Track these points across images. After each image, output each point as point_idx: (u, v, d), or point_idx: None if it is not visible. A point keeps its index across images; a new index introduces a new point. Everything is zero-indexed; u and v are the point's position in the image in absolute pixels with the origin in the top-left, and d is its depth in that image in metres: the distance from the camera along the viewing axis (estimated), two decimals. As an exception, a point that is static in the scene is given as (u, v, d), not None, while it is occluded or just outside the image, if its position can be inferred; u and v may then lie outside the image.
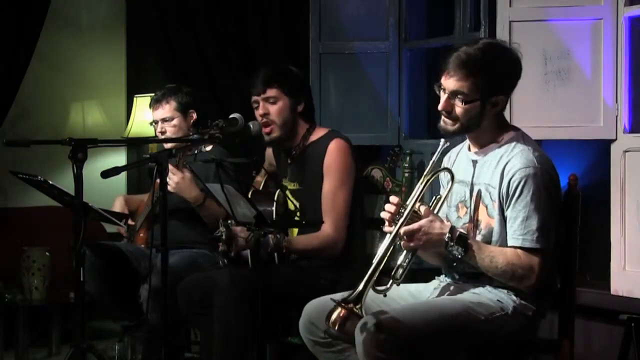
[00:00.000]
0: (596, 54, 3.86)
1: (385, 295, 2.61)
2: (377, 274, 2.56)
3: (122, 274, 3.85)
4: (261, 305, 2.92)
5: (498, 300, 2.65)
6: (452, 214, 2.79)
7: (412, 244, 2.57)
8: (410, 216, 2.60)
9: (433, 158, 2.68)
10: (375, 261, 2.58)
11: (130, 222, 4.01)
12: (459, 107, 2.67)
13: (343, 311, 2.52)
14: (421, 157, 4.68)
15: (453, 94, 2.67)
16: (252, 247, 3.14)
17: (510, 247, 2.61)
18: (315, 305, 2.84)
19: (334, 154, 3.38)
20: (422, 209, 2.61)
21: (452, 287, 2.77)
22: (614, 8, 3.82)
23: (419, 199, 2.63)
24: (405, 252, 2.62)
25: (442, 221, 2.60)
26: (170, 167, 3.58)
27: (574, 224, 2.79)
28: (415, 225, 2.57)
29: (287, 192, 3.50)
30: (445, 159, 2.92)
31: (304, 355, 3.00)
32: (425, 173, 2.68)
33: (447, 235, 2.56)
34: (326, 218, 3.35)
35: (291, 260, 3.41)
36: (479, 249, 2.59)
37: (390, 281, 2.61)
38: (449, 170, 2.73)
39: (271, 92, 3.43)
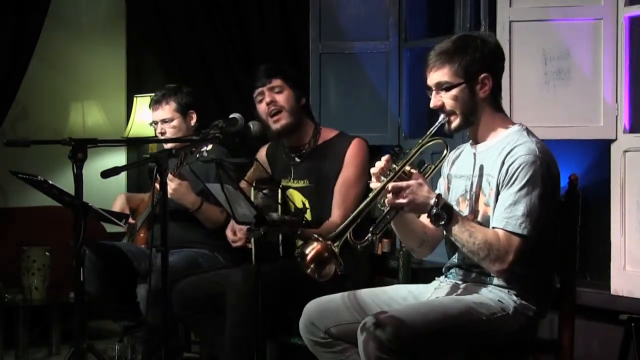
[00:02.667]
0: (596, 54, 3.86)
1: (360, 249, 2.60)
2: (359, 219, 2.56)
3: (123, 273, 3.85)
4: (261, 305, 2.92)
5: (499, 300, 2.65)
6: None
7: (397, 201, 2.56)
8: (400, 176, 2.60)
9: (431, 129, 2.69)
10: (359, 208, 2.58)
11: (131, 220, 4.02)
12: (447, 98, 2.69)
13: (319, 245, 2.51)
14: (421, 156, 4.66)
15: (438, 87, 2.70)
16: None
17: (493, 227, 2.59)
18: (315, 306, 2.84)
19: (357, 150, 3.45)
20: (413, 172, 2.61)
21: (453, 288, 2.77)
22: (614, 8, 3.82)
23: (409, 163, 2.63)
24: (388, 208, 2.61)
25: (430, 187, 2.59)
26: (169, 175, 3.58)
27: (574, 224, 2.79)
28: (403, 183, 2.56)
29: (291, 192, 3.51)
30: (450, 157, 2.92)
31: (304, 355, 3.00)
32: (420, 140, 2.69)
33: (434, 200, 2.55)
34: (336, 209, 3.39)
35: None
36: (462, 222, 2.57)
37: (369, 234, 2.59)
38: (444, 141, 2.72)
39: (276, 82, 3.48)
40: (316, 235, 2.54)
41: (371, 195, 2.60)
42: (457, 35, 2.79)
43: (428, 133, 2.69)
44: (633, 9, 3.78)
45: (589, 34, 3.87)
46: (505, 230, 2.56)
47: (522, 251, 2.56)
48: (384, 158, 2.64)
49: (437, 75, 2.69)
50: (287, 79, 3.49)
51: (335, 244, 2.51)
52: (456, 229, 2.56)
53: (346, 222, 2.56)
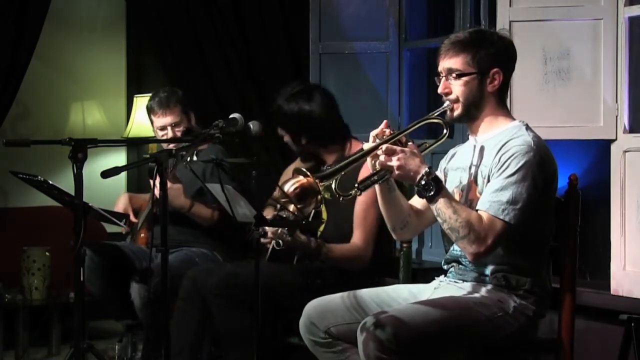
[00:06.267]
0: (596, 54, 3.86)
1: (342, 200, 2.65)
2: (348, 169, 2.60)
3: (124, 273, 3.86)
4: (264, 304, 2.93)
5: (499, 300, 2.65)
6: None
7: (388, 163, 2.57)
8: (394, 142, 2.62)
9: (434, 111, 2.71)
10: (350, 159, 2.62)
11: (133, 219, 4.02)
12: (455, 84, 2.70)
13: (305, 180, 2.53)
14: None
15: (448, 73, 2.71)
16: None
17: (477, 210, 2.60)
18: (315, 305, 2.84)
19: (368, 167, 3.41)
20: (409, 144, 2.63)
21: (452, 287, 2.77)
22: (613, 8, 3.81)
23: (405, 135, 2.65)
24: (379, 169, 2.63)
25: (423, 159, 2.60)
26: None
27: (574, 224, 2.79)
28: (397, 148, 2.59)
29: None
30: (450, 152, 2.94)
31: (304, 355, 3.00)
32: (420, 119, 2.71)
33: (425, 170, 2.56)
34: (357, 229, 3.41)
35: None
36: (448, 198, 2.58)
37: (355, 189, 2.62)
38: (444, 121, 2.72)
39: (281, 132, 3.62)
40: (305, 170, 2.55)
41: (364, 151, 2.63)
42: (474, 28, 2.82)
43: (431, 114, 2.71)
44: (633, 9, 3.78)
45: (589, 34, 3.87)
46: (489, 214, 2.56)
47: (502, 237, 2.56)
48: (383, 123, 2.67)
49: (449, 62, 2.71)
50: (287, 130, 3.56)
51: (322, 183, 2.53)
52: (441, 203, 2.56)
53: (336, 167, 2.58)
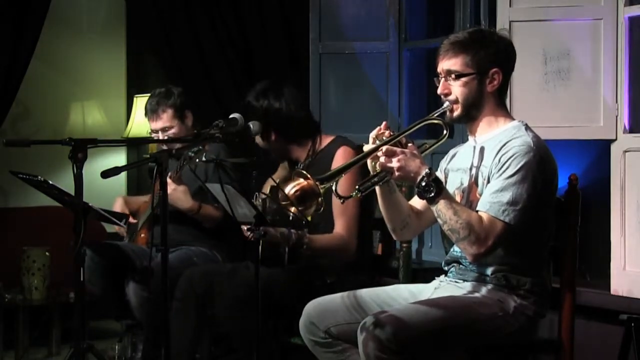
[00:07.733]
0: (596, 54, 3.86)
1: (343, 202, 2.65)
2: (347, 171, 2.61)
3: (125, 273, 3.86)
4: (261, 305, 2.93)
5: (499, 300, 2.65)
6: None
7: (388, 164, 2.57)
8: (395, 143, 2.62)
9: (434, 112, 2.72)
10: (350, 161, 2.63)
11: (131, 219, 4.02)
12: (454, 85, 2.71)
13: (305, 182, 2.53)
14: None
15: (447, 74, 2.71)
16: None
17: (477, 211, 2.60)
18: (315, 305, 2.85)
19: (341, 160, 3.41)
20: (409, 145, 2.63)
21: (453, 287, 2.77)
22: (613, 8, 3.81)
23: (405, 136, 2.65)
24: (379, 170, 2.63)
25: (423, 160, 2.60)
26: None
27: (574, 224, 2.79)
28: (397, 149, 2.59)
29: None
30: (450, 152, 2.95)
31: (304, 355, 3.00)
32: (420, 120, 2.72)
33: (426, 171, 2.56)
34: (338, 219, 3.39)
35: (301, 262, 3.43)
36: (449, 199, 2.58)
37: (356, 191, 2.62)
38: (444, 122, 2.72)
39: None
40: (305, 173, 2.55)
41: (364, 152, 2.63)
42: (473, 28, 2.82)
43: (431, 115, 2.71)
44: (633, 9, 3.78)
45: (589, 34, 3.87)
46: (489, 215, 2.56)
47: (502, 238, 2.56)
48: (383, 124, 2.68)
49: (448, 63, 2.71)
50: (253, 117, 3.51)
51: (322, 186, 2.53)
52: (442, 205, 2.56)
53: (337, 169, 2.59)
